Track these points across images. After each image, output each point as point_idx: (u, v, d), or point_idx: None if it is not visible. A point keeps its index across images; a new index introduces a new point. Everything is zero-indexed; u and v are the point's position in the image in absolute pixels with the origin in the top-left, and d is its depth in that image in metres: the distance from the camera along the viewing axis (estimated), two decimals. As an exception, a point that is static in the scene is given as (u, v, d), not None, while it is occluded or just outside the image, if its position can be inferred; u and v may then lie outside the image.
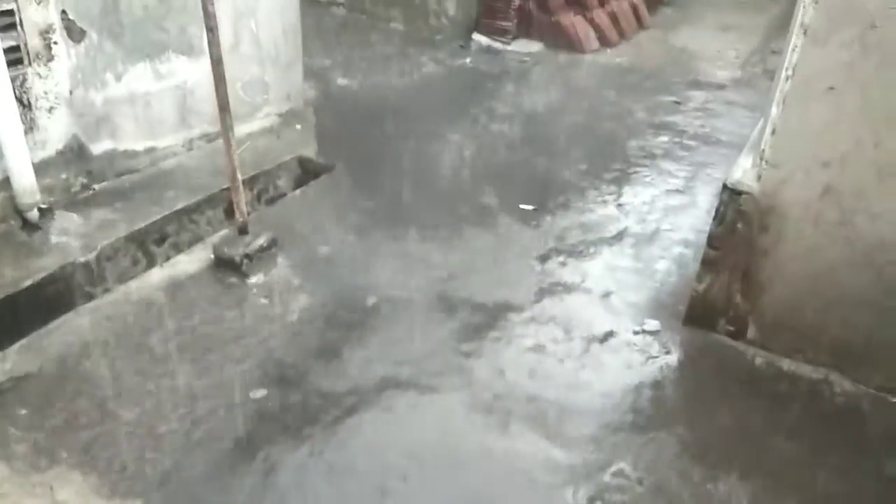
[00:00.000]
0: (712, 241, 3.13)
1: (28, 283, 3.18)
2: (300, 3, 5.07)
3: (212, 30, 3.17)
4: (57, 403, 2.68)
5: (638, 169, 5.00)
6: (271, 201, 4.41)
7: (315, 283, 3.50)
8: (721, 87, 6.71)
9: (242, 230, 3.59)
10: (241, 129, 4.67)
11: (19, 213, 3.55)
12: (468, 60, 7.02)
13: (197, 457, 2.51)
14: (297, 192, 4.41)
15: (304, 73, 5.29)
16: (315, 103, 5.47)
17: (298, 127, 5.06)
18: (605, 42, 7.61)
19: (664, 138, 5.52)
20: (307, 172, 4.66)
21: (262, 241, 3.59)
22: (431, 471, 2.53)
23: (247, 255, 3.50)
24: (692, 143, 5.45)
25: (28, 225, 3.55)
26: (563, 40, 7.33)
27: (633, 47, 7.83)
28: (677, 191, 4.70)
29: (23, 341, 2.94)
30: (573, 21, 7.40)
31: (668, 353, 3.20)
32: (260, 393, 2.81)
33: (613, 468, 2.59)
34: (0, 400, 2.67)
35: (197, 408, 2.72)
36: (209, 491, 2.39)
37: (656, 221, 4.30)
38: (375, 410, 2.77)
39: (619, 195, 4.62)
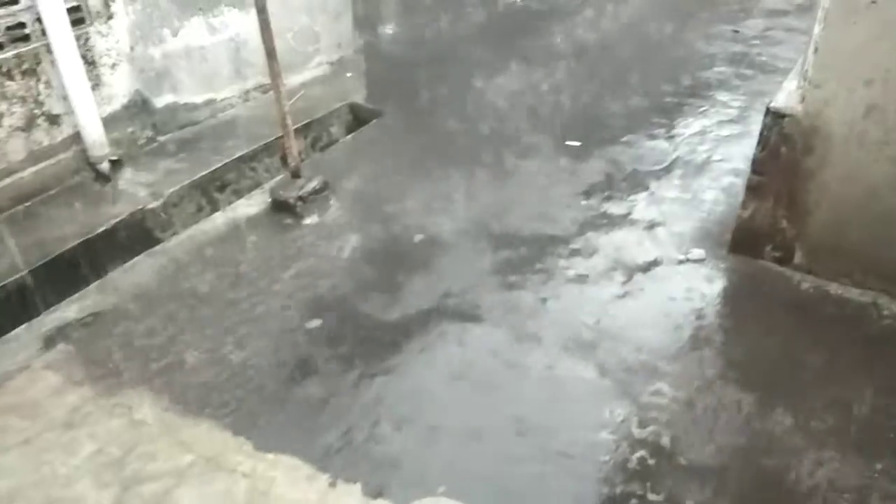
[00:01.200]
0: (756, 166, 3.10)
1: (102, 228, 3.45)
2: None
3: (256, -20, 3.29)
4: (132, 334, 2.94)
5: (691, 100, 4.91)
6: (325, 147, 4.56)
7: (365, 222, 3.65)
8: (783, 13, 6.43)
9: (296, 174, 3.76)
10: (293, 79, 4.84)
11: (91, 165, 3.82)
12: (518, 0, 6.93)
13: (258, 380, 2.72)
14: (349, 137, 4.54)
15: (354, 21, 5.37)
16: (365, 50, 5.56)
17: (349, 74, 5.17)
18: (660, -28, 7.35)
19: (720, 68, 5.38)
20: (358, 118, 4.79)
21: (314, 184, 3.76)
22: (473, 393, 2.66)
23: (300, 198, 3.67)
24: (749, 71, 5.30)
25: (100, 176, 3.81)
26: (616, -27, 7.13)
27: (690, -24, 7.55)
28: (731, 121, 4.61)
29: (99, 281, 3.23)
30: (627, -48, 7.18)
31: (712, 280, 3.22)
32: (315, 323, 3.00)
33: (651, 388, 2.67)
34: (82, 333, 2.95)
35: (257, 336, 2.93)
36: (268, 410, 2.59)
37: (707, 152, 4.25)
38: (422, 338, 2.92)
39: (671, 127, 4.57)
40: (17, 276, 3.13)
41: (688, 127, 4.57)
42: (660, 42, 5.97)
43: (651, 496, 2.26)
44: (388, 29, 6.15)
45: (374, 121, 4.68)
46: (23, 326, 2.99)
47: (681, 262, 3.35)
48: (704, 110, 4.78)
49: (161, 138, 4.22)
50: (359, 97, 4.90)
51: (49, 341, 2.91)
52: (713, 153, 4.24)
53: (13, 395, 2.66)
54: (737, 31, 6.00)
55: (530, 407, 2.60)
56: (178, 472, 2.34)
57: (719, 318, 3.03)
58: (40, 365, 2.78)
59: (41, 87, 3.58)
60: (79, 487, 2.31)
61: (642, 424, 2.52)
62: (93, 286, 3.20)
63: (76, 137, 3.76)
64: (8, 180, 3.55)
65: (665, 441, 2.45)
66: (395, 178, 4.05)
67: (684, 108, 4.81)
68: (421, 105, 4.90)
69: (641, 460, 2.38)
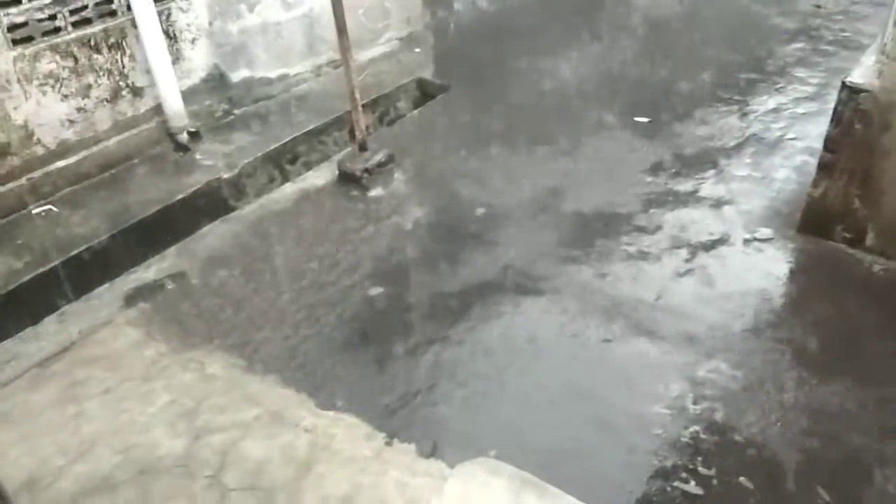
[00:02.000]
0: (829, 143, 3.01)
1: (181, 196, 3.63)
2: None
3: (328, -45, 3.36)
4: (206, 295, 3.10)
5: (767, 77, 4.76)
6: (392, 122, 4.64)
7: (428, 195, 3.71)
8: (872, -15, 6.11)
9: (362, 147, 3.85)
10: (363, 55, 4.93)
11: (171, 136, 4.01)
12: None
13: (322, 342, 2.84)
14: (415, 112, 4.61)
15: (423, -4, 5.42)
16: (434, 26, 5.60)
17: (418, 50, 5.23)
18: (741, -55, 7.09)
19: (799, 45, 5.18)
20: (425, 93, 4.85)
21: (380, 156, 3.84)
22: (529, 363, 2.71)
23: (366, 170, 3.77)
24: (829, 48, 5.08)
25: (179, 146, 4.00)
26: (694, -54, 6.91)
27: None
28: (807, 98, 4.45)
29: (178, 245, 3.41)
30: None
31: (778, 260, 3.15)
32: (377, 290, 3.10)
33: (709, 365, 2.65)
34: (160, 293, 3.13)
35: (322, 301, 3.04)
36: (330, 372, 2.70)
37: (781, 130, 4.13)
38: (481, 309, 2.97)
39: (744, 104, 4.45)
40: (102, 238, 3.34)
41: (762, 104, 4.44)
42: (736, 17, 5.79)
43: (702, 470, 2.26)
44: (457, 4, 6.16)
45: (441, 96, 4.72)
46: (106, 285, 3.19)
47: (747, 241, 3.28)
48: (781, 87, 4.63)
49: (237, 111, 4.38)
50: (426, 72, 4.95)
51: (130, 299, 3.10)
52: (787, 131, 4.11)
53: (97, 347, 2.86)
54: (819, 7, 5.75)
55: (585, 378, 2.62)
56: (244, 425, 2.48)
57: (784, 299, 2.97)
58: (122, 321, 2.97)
59: (126, 60, 3.77)
60: (154, 435, 2.47)
61: (697, 401, 2.51)
62: (171, 249, 3.38)
63: (158, 109, 3.95)
64: (95, 148, 3.77)
65: (719, 417, 2.44)
66: (459, 152, 4.09)
67: (759, 85, 4.67)
68: (487, 80, 4.91)
69: (694, 435, 2.38)
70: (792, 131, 4.11)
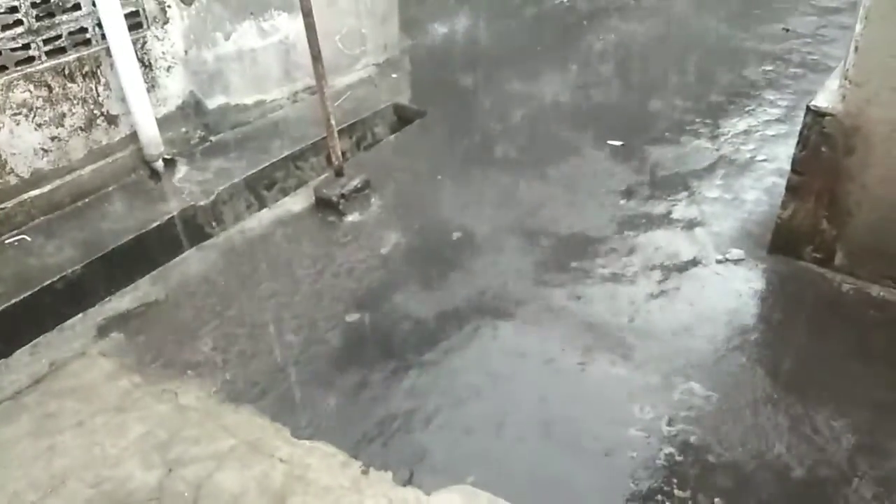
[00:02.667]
0: (796, 165, 3.07)
1: (155, 223, 3.61)
2: (393, -47, 5.23)
3: (302, -16, 3.40)
4: (180, 324, 3.08)
5: (737, 99, 4.85)
6: (369, 147, 4.67)
7: (405, 220, 3.73)
8: (836, 10, 6.26)
9: (339, 173, 3.87)
10: (340, 81, 4.96)
11: (146, 163, 4.00)
12: (565, 0, 6.93)
13: (298, 370, 2.83)
14: (392, 137, 4.64)
15: (400, 24, 5.47)
16: (410, 51, 5.65)
17: (394, 76, 5.27)
18: (711, -30, 7.25)
19: (768, 67, 5.29)
20: (402, 118, 4.88)
21: (356, 182, 3.86)
22: (505, 388, 2.71)
23: (343, 196, 3.78)
24: (798, 70, 5.20)
25: (154, 174, 3.99)
26: (665, -28, 7.06)
27: (743, -27, 7.42)
28: (777, 120, 4.55)
29: (152, 273, 3.39)
30: (677, -50, 7.10)
31: (750, 280, 3.20)
32: (354, 316, 3.10)
33: (683, 387, 2.67)
34: (134, 322, 3.11)
35: (298, 328, 3.04)
36: (306, 401, 2.69)
37: (751, 152, 4.21)
38: (458, 334, 2.98)
39: (715, 126, 4.53)
40: (76, 267, 3.31)
41: (733, 126, 4.52)
42: (707, 41, 5.90)
43: (678, 492, 2.28)
44: (434, 28, 6.23)
45: (418, 121, 4.76)
46: (79, 315, 3.16)
47: (719, 261, 3.33)
48: (751, 109, 4.72)
49: (213, 138, 4.38)
50: (403, 98, 4.99)
51: (103, 329, 3.07)
52: (757, 153, 4.19)
53: (69, 379, 2.83)
54: (787, 30, 5.89)
55: (561, 402, 2.64)
56: (219, 456, 2.46)
57: (756, 319, 3.02)
58: (95, 351, 2.95)
59: (101, 88, 3.77)
60: (127, 468, 2.45)
61: (672, 422, 2.53)
62: (146, 278, 3.36)
63: (133, 137, 3.94)
64: (69, 177, 3.75)
65: (694, 439, 2.46)
66: (435, 176, 4.12)
67: (730, 108, 4.76)
68: (464, 105, 4.96)
69: (669, 457, 2.40)
70: (762, 153, 4.19)
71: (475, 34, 6.22)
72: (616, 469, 2.37)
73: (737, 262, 3.31)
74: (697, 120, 4.61)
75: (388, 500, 2.29)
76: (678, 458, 2.40)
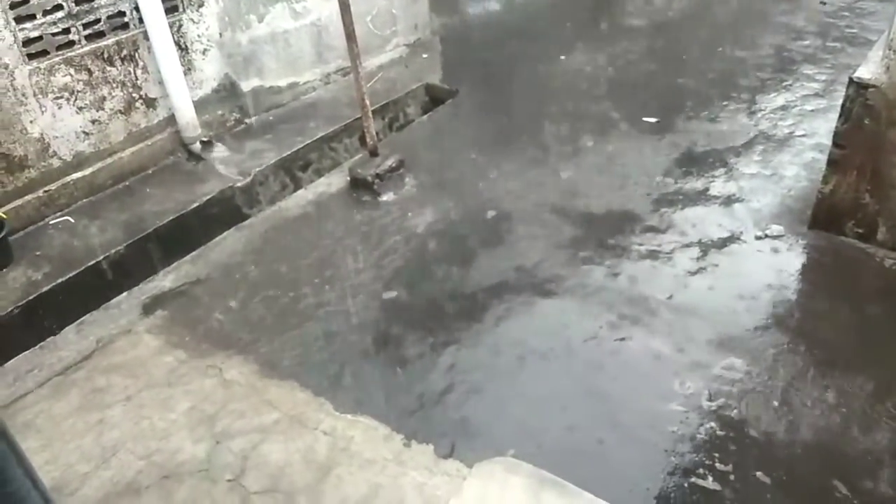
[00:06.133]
0: (838, 139, 3.02)
1: (195, 205, 3.67)
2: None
3: (336, -36, 3.40)
4: (222, 302, 3.14)
5: (774, 74, 4.77)
6: (401, 127, 4.68)
7: (439, 199, 3.74)
8: (877, -19, 6.11)
9: (373, 153, 3.89)
10: (372, 62, 4.97)
11: (184, 146, 4.06)
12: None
13: (338, 346, 2.87)
14: (424, 117, 4.64)
15: (430, 3, 5.45)
16: (441, 31, 5.64)
17: (425, 56, 5.26)
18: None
19: (806, 41, 5.19)
20: (434, 99, 4.88)
21: (390, 162, 3.88)
22: (544, 363, 2.72)
23: (377, 175, 3.80)
24: (836, 44, 5.09)
25: (192, 156, 4.05)
26: (698, -54, 6.93)
27: (779, -53, 7.27)
28: (816, 95, 4.46)
29: (193, 253, 3.46)
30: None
31: (790, 256, 3.16)
32: (391, 294, 3.13)
33: (724, 363, 2.66)
34: (177, 300, 3.17)
35: (337, 305, 3.07)
36: (347, 375, 2.73)
37: (789, 127, 4.14)
38: (495, 310, 3.00)
39: (752, 102, 4.46)
40: (119, 247, 3.38)
41: (770, 101, 4.45)
42: (743, 16, 5.80)
43: (719, 466, 2.28)
44: (464, 7, 6.20)
45: (450, 101, 4.76)
46: (124, 294, 3.23)
47: (758, 238, 3.29)
48: (788, 84, 4.63)
49: (248, 120, 4.43)
50: (434, 78, 4.99)
51: (148, 308, 3.14)
52: (796, 128, 4.12)
53: (117, 355, 2.90)
54: (824, 3, 5.76)
55: (600, 377, 2.64)
56: (264, 429, 2.51)
57: (797, 295, 2.98)
58: (141, 329, 3.02)
59: (139, 72, 3.83)
60: (175, 440, 2.51)
61: (713, 397, 2.52)
62: (187, 258, 3.42)
63: (171, 120, 4.00)
64: (109, 160, 3.82)
65: (735, 414, 2.45)
66: (468, 156, 4.12)
67: (767, 83, 4.68)
68: (495, 84, 4.94)
69: (710, 431, 2.40)
70: (800, 128, 4.12)
71: (505, 13, 6.18)
72: (657, 443, 2.37)
73: (777, 237, 3.27)
74: (734, 95, 4.54)
75: (429, 472, 2.32)
76: (719, 433, 2.40)
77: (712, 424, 2.42)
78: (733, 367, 2.64)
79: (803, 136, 4.04)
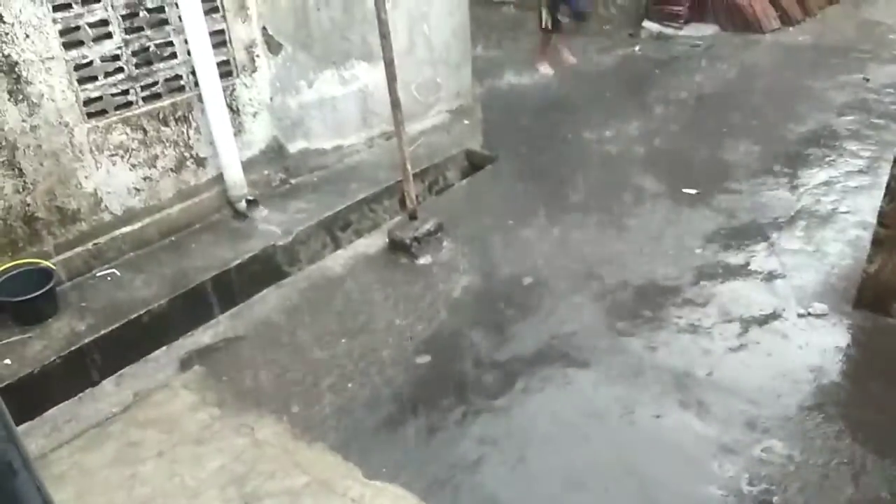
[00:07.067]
0: (883, 218, 2.98)
1: (237, 261, 3.75)
2: (470, 3, 5.37)
3: (384, 35, 3.53)
4: (258, 360, 3.17)
5: (817, 150, 4.75)
6: (441, 191, 4.75)
7: (476, 264, 3.76)
8: (921, 60, 6.11)
9: (412, 216, 3.94)
10: (415, 127, 5.08)
11: (230, 203, 4.17)
12: (637, 48, 6.97)
13: (370, 410, 2.86)
14: (464, 182, 4.71)
15: (473, 70, 5.59)
16: (483, 98, 5.76)
17: (466, 122, 5.37)
18: (786, 20, 7.20)
19: (849, 118, 5.17)
20: (473, 164, 4.96)
21: (429, 225, 3.92)
22: (577, 438, 2.68)
23: (416, 239, 3.84)
24: (880, 121, 5.06)
25: (237, 214, 4.15)
26: (739, 21, 7.05)
27: (819, 24, 7.33)
28: (860, 171, 4.42)
29: (233, 309, 3.51)
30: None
31: (834, 336, 3.09)
32: (424, 359, 3.12)
33: (763, 445, 2.59)
34: (214, 356, 3.21)
35: (371, 368, 3.08)
36: (378, 439, 2.72)
37: (833, 203, 4.10)
38: (528, 379, 2.97)
39: (794, 177, 4.44)
40: (161, 302, 3.46)
41: (813, 177, 4.42)
42: (785, 90, 5.82)
43: (760, 556, 2.19)
44: (508, 76, 6.35)
45: (489, 166, 4.83)
46: (163, 348, 3.29)
47: (801, 315, 3.23)
48: (832, 160, 4.61)
49: (293, 181, 4.54)
50: (475, 144, 5.08)
51: (186, 363, 3.18)
52: (839, 205, 4.07)
53: (153, 409, 2.93)
54: (867, 80, 5.76)
55: (635, 456, 2.58)
56: (293, 492, 2.49)
57: (840, 376, 2.90)
58: (178, 383, 3.05)
59: (191, 132, 3.97)
60: (205, 499, 2.51)
61: (753, 482, 2.44)
62: (226, 314, 3.48)
63: (219, 178, 4.12)
64: (158, 216, 3.94)
65: (777, 501, 2.37)
66: (506, 221, 4.15)
67: (810, 158, 4.66)
68: (535, 151, 5.01)
69: (751, 518, 2.31)
70: (844, 205, 4.07)
71: (546, 82, 6.30)
72: (694, 527, 2.30)
73: (820, 316, 3.20)
74: (776, 169, 4.53)
75: (458, 546, 2.27)
76: (760, 520, 2.31)
77: (752, 511, 2.34)
78: (774, 451, 2.56)
79: (847, 212, 3.99)
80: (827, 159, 4.63)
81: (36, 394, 3.03)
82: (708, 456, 2.56)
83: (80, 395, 3.06)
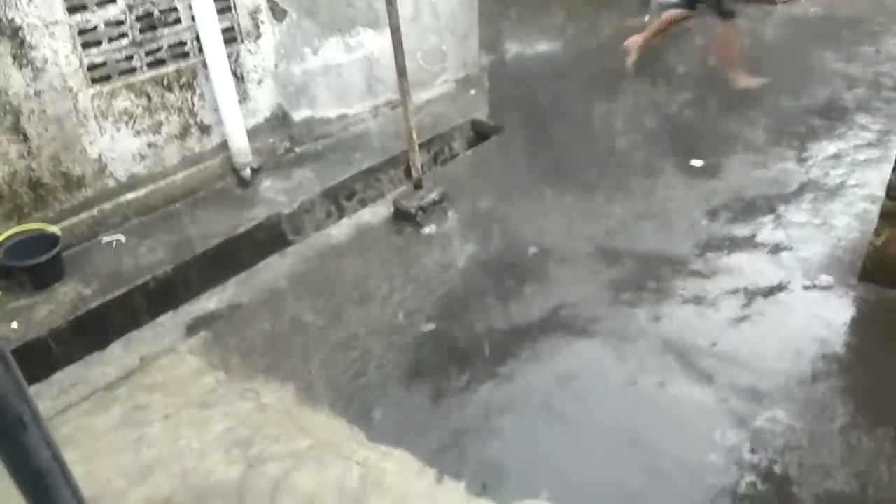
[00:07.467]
0: (892, 191, 2.95)
1: (242, 229, 3.75)
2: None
3: (391, 2, 3.49)
4: (264, 326, 3.18)
5: (826, 122, 4.70)
6: (446, 161, 4.73)
7: (481, 234, 3.76)
8: (933, 32, 6.02)
9: (418, 186, 3.93)
10: (421, 96, 5.05)
11: (235, 171, 4.16)
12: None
13: (374, 376, 2.88)
14: (469, 152, 4.69)
15: (480, 40, 5.54)
16: (490, 69, 5.71)
17: (473, 92, 5.33)
18: (799, -9, 7.08)
19: (859, 90, 5.11)
20: (479, 134, 4.93)
21: (434, 195, 3.91)
22: (581, 405, 2.69)
23: (421, 208, 3.84)
24: (891, 94, 4.99)
25: (242, 182, 4.15)
26: (751, -8, 6.92)
27: (833, -6, 7.22)
28: (869, 144, 4.38)
29: (238, 276, 3.53)
30: (764, -29, 6.95)
31: (839, 308, 3.08)
32: (429, 326, 3.13)
33: (767, 415, 2.59)
34: (220, 322, 3.23)
35: (376, 335, 3.09)
36: (382, 405, 2.73)
37: (841, 176, 4.06)
38: (533, 348, 2.97)
39: (802, 149, 4.39)
40: (166, 268, 3.47)
41: (822, 150, 4.37)
42: (795, 62, 5.74)
43: (760, 522, 2.21)
44: (514, 47, 6.28)
45: (495, 136, 4.80)
46: (169, 314, 3.31)
47: (807, 288, 3.22)
48: (841, 133, 4.56)
49: (297, 149, 4.53)
50: (481, 114, 5.04)
51: (191, 328, 3.20)
52: (848, 178, 4.04)
53: (159, 373, 2.95)
54: (879, 51, 5.68)
55: (637, 423, 2.59)
56: (297, 455, 2.51)
57: (845, 349, 2.90)
58: (183, 348, 3.07)
59: (196, 99, 3.95)
60: (210, 462, 2.53)
61: (755, 450, 2.45)
62: (231, 281, 3.49)
63: (223, 146, 4.11)
64: (163, 182, 3.94)
65: (778, 469, 2.38)
66: (512, 191, 4.14)
67: (818, 131, 4.61)
68: (541, 122, 4.97)
69: (751, 486, 2.32)
70: (852, 178, 4.04)
71: (555, 53, 6.24)
72: (695, 494, 2.31)
73: (826, 288, 3.20)
74: (784, 142, 4.49)
75: (461, 509, 2.29)
76: (760, 488, 2.32)
77: (753, 478, 2.35)
78: (777, 420, 2.57)
79: (855, 185, 3.96)
80: (836, 132, 4.58)
81: (43, 357, 3.05)
82: (710, 425, 2.56)
83: (87, 358, 3.08)
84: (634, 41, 5.61)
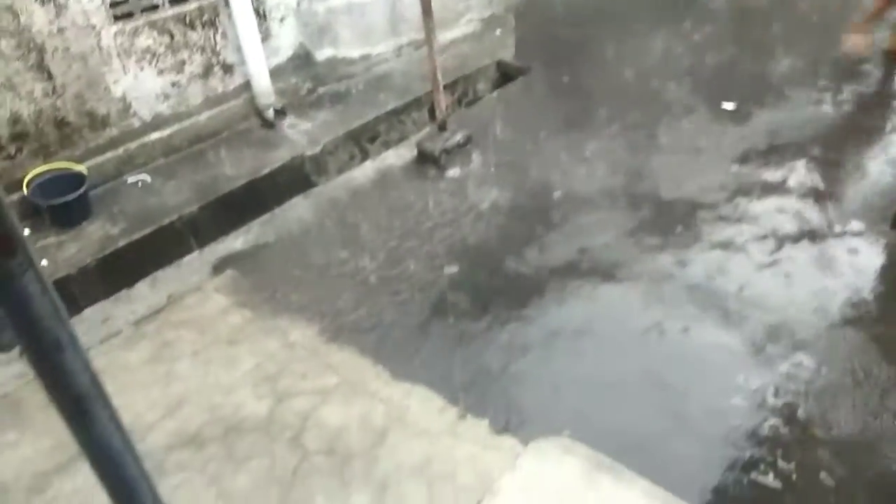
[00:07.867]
0: (933, 134, 2.86)
1: (266, 171, 3.74)
2: None
3: (417, -66, 3.38)
4: (289, 266, 3.20)
5: (866, 65, 4.54)
6: (471, 103, 4.66)
7: (505, 177, 3.72)
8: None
9: (442, 127, 3.88)
10: (444, 36, 4.94)
11: (258, 112, 4.13)
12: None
13: (399, 316, 2.90)
14: (494, 94, 4.61)
15: (507, -22, 5.39)
16: (516, 7, 5.56)
17: (498, 32, 5.21)
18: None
19: (901, 31, 4.92)
20: (505, 75, 4.83)
21: (458, 137, 3.87)
22: (605, 347, 2.69)
23: (445, 150, 3.80)
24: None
25: (265, 122, 4.12)
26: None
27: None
28: (909, 88, 4.25)
29: (262, 217, 3.54)
30: None
31: (869, 254, 3.03)
32: (453, 269, 3.13)
33: (791, 359, 2.58)
34: (246, 262, 3.26)
35: (400, 276, 3.10)
36: (406, 345, 2.76)
37: (877, 120, 3.95)
38: (556, 290, 2.97)
39: (838, 92, 4.27)
40: (193, 208, 3.48)
41: (858, 93, 4.25)
42: (831, 4, 5.53)
43: (781, 463, 2.22)
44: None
45: (521, 78, 4.71)
46: (195, 253, 3.33)
47: (837, 234, 3.17)
48: (879, 76, 4.41)
49: (321, 90, 4.47)
50: (506, 54, 4.94)
51: (218, 267, 3.23)
52: (885, 122, 3.93)
53: (186, 311, 3.00)
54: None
55: (662, 366, 2.59)
56: (323, 392, 2.56)
57: (873, 295, 2.86)
58: (210, 287, 3.11)
59: (218, 37, 3.90)
60: (239, 396, 2.58)
61: (778, 394, 2.45)
62: (256, 222, 3.51)
63: (246, 86, 4.07)
64: (187, 122, 3.92)
65: (801, 412, 2.37)
66: (537, 134, 4.08)
67: (854, 72, 4.47)
68: (568, 63, 4.86)
69: (774, 429, 2.33)
70: (890, 123, 3.92)
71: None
72: (718, 436, 2.32)
73: (857, 235, 3.14)
74: (819, 84, 4.36)
75: (483, 446, 2.33)
76: (783, 430, 2.33)
77: (776, 421, 2.35)
78: (802, 365, 2.56)
79: (892, 131, 3.85)
80: (875, 75, 4.43)
81: (72, 294, 3.10)
82: (735, 369, 2.56)
83: (116, 296, 3.13)
84: (859, 38, 4.46)
